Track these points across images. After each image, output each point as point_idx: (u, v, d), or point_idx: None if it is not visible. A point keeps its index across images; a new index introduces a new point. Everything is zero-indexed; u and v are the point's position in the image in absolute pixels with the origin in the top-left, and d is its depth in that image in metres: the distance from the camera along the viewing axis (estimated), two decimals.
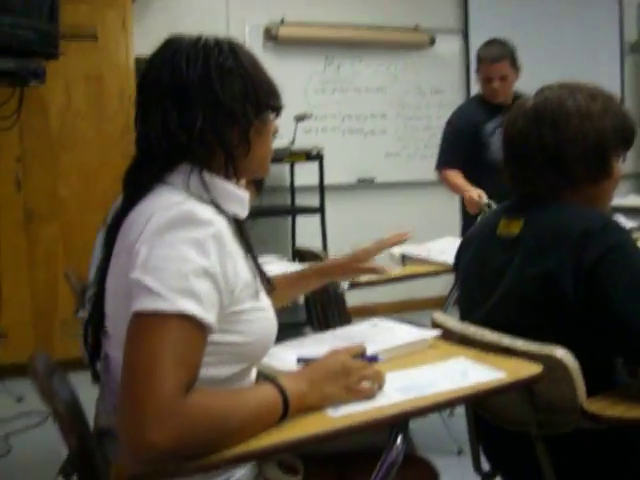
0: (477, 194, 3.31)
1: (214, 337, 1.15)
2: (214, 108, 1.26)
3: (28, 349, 4.01)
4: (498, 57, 3.55)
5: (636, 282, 1.46)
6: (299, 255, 3.15)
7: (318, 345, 1.57)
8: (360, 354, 1.32)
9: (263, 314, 1.29)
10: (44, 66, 3.59)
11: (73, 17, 4.06)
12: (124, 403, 1.06)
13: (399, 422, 1.20)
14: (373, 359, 1.34)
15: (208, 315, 1.11)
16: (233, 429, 1.09)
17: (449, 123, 3.78)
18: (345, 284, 2.69)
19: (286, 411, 1.16)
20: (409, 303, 5.48)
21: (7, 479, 2.90)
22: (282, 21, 5.31)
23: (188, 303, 1.09)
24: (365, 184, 5.73)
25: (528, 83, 5.34)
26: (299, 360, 1.40)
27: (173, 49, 1.30)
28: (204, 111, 1.26)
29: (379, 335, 1.65)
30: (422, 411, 1.21)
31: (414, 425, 1.35)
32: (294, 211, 5.34)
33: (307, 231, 5.19)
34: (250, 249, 1.33)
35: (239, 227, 1.33)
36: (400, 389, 1.28)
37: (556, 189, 1.62)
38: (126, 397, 1.06)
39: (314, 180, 4.92)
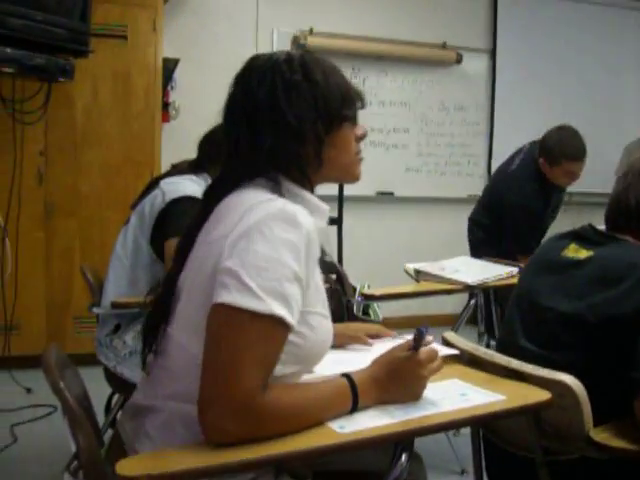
0: None
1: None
2: (282, 128, 1.28)
3: (40, 342, 4.05)
4: (585, 154, 3.49)
5: None
6: None
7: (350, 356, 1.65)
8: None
9: (325, 322, 1.33)
10: (73, 63, 3.64)
11: (104, 16, 4.10)
12: (205, 392, 1.12)
13: (404, 440, 1.20)
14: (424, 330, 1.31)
15: (294, 318, 1.18)
16: (303, 425, 1.17)
17: (528, 207, 3.54)
18: (359, 297, 2.70)
19: (355, 405, 1.24)
20: (421, 319, 5.46)
21: (11, 469, 2.91)
22: (311, 31, 5.33)
23: (279, 306, 1.14)
24: (384, 197, 5.74)
25: (552, 107, 5.36)
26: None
27: (249, 67, 1.35)
28: (274, 131, 1.29)
29: None
30: (428, 430, 1.21)
31: (418, 442, 1.35)
32: None
33: (324, 241, 5.18)
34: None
35: None
36: (402, 407, 1.28)
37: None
38: (209, 387, 1.12)
39: (333, 191, 4.92)
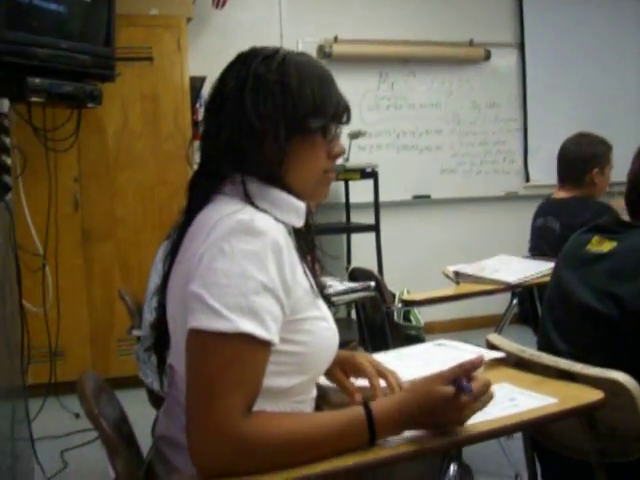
0: None
1: (275, 346, 1.14)
2: (242, 123, 1.23)
3: (85, 366, 4.08)
4: None
5: None
6: (353, 275, 3.12)
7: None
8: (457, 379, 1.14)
9: (324, 324, 1.26)
10: (101, 88, 3.66)
11: (129, 39, 4.13)
12: (187, 421, 1.08)
13: (452, 450, 1.15)
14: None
15: (269, 332, 1.10)
16: (300, 457, 1.08)
17: None
18: (399, 304, 2.65)
19: (373, 438, 1.11)
20: (464, 322, 5.39)
21: None
22: (335, 39, 5.31)
23: (247, 322, 1.08)
24: (420, 201, 5.67)
25: (585, 98, 5.26)
26: None
27: (237, 59, 1.30)
28: (232, 124, 1.24)
29: (443, 355, 1.62)
30: (476, 439, 1.16)
31: (468, 446, 1.29)
32: (349, 229, 5.31)
33: (362, 248, 5.15)
34: (308, 257, 1.31)
35: (300, 235, 1.32)
36: None
37: None
38: (189, 416, 1.08)
39: (369, 197, 4.89)
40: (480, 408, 1.14)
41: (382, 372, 1.37)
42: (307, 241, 1.37)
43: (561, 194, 3.24)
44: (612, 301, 1.53)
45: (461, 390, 1.12)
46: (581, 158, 3.16)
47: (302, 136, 1.25)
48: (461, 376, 1.13)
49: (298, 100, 1.24)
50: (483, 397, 1.13)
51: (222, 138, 1.25)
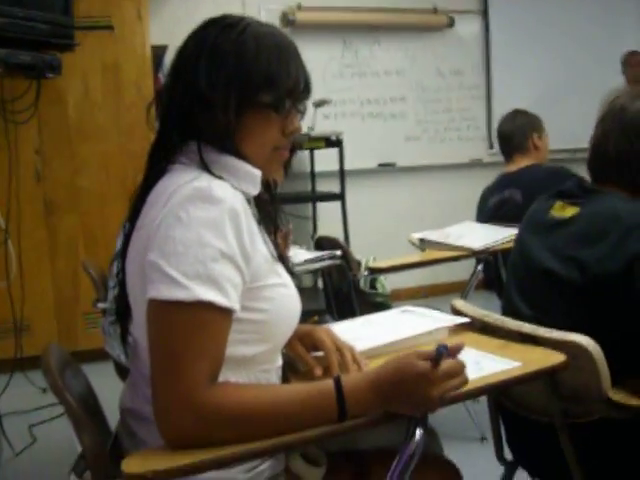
0: None
1: (236, 314, 1.13)
2: (192, 91, 1.21)
3: (51, 340, 4.02)
4: None
5: None
6: (319, 243, 3.12)
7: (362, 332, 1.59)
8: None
9: (285, 290, 1.26)
10: (60, 58, 3.59)
11: (88, 9, 4.05)
12: (152, 391, 1.08)
13: (417, 415, 1.17)
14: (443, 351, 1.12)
15: (229, 299, 1.10)
16: (261, 428, 1.08)
17: None
18: (365, 271, 2.67)
19: (343, 413, 1.10)
20: (431, 288, 5.44)
21: (31, 470, 2.91)
22: (299, 6, 5.26)
23: (207, 290, 1.07)
24: (386, 169, 5.68)
25: (548, 64, 5.27)
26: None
27: (201, 25, 1.27)
28: (184, 90, 1.22)
29: (408, 322, 1.63)
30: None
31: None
32: (315, 197, 5.30)
33: (328, 217, 5.16)
34: (266, 225, 1.30)
35: (262, 205, 1.32)
36: None
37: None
38: (153, 386, 1.08)
39: (334, 166, 4.88)
40: (455, 387, 1.13)
41: (340, 347, 1.37)
42: (271, 212, 1.37)
43: (513, 167, 3.29)
44: (575, 265, 1.55)
45: (439, 355, 1.11)
46: (518, 127, 3.31)
47: (253, 109, 1.22)
48: (441, 346, 1.12)
49: (251, 72, 1.21)
50: (456, 379, 1.12)
51: (174, 105, 1.24)
